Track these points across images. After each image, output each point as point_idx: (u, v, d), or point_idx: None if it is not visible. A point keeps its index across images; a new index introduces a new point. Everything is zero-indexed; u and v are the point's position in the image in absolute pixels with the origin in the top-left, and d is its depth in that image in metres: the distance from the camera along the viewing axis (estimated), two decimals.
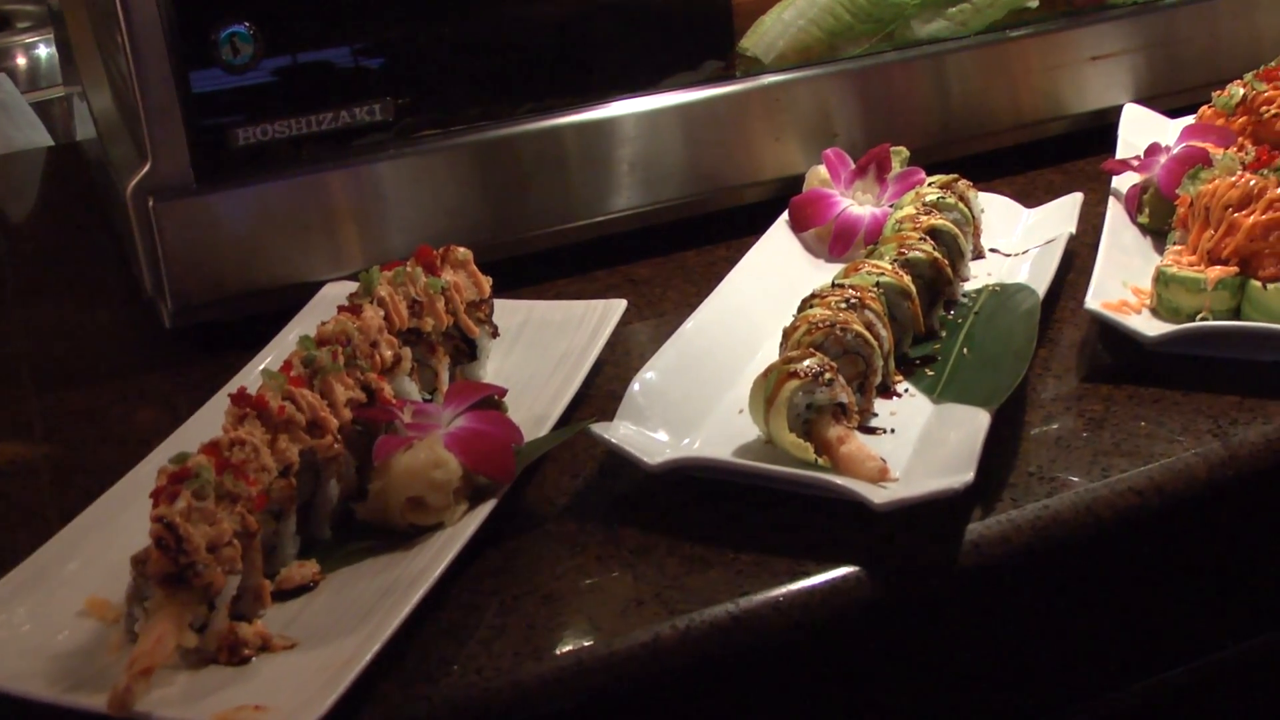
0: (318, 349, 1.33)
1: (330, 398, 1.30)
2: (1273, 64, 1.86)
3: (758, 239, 1.75)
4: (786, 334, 1.41)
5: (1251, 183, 1.53)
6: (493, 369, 1.57)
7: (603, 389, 1.54)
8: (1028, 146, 2.08)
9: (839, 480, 1.25)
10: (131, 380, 1.70)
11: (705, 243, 1.89)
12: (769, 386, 1.32)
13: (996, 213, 1.82)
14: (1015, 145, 2.08)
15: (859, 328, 1.38)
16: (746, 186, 1.89)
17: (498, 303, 1.61)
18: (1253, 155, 1.62)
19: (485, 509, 1.27)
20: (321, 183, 1.70)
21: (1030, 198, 1.91)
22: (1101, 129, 2.03)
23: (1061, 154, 2.08)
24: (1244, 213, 1.52)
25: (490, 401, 1.37)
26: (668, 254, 1.87)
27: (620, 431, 1.34)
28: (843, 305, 1.42)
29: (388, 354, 1.40)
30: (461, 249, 1.55)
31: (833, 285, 1.47)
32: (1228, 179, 1.54)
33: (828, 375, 1.31)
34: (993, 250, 1.76)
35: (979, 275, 1.70)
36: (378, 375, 1.36)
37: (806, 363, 1.32)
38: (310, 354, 1.31)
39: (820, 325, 1.38)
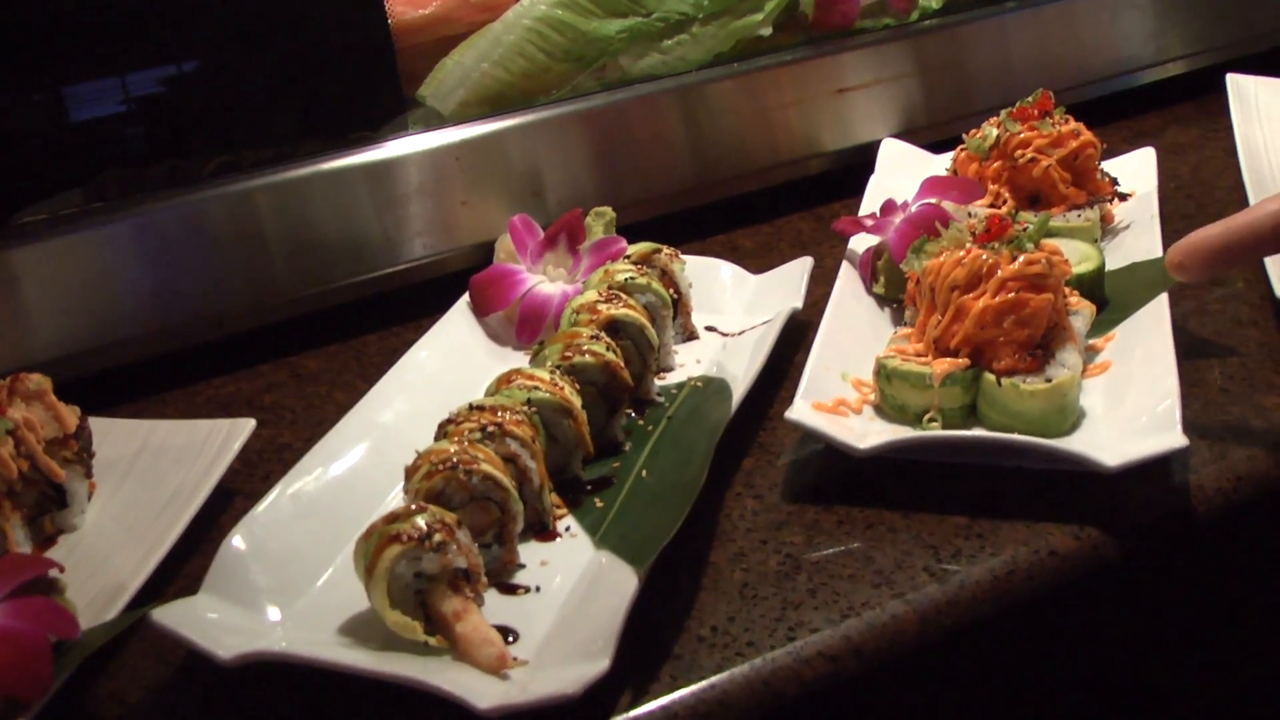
0: None
1: None
2: (1028, 100, 1.63)
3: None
4: (408, 474, 1.16)
5: (981, 258, 1.29)
6: (99, 509, 1.32)
7: (228, 529, 1.27)
8: (780, 189, 1.84)
9: (439, 681, 1.00)
10: None
11: (393, 323, 1.64)
12: (369, 552, 1.07)
13: (720, 283, 1.58)
14: (769, 188, 1.83)
15: (489, 467, 1.14)
16: (439, 256, 1.64)
17: (113, 424, 1.38)
18: (987, 216, 1.38)
19: None
20: None
21: (774, 252, 1.68)
22: (868, 165, 1.80)
23: (820, 196, 1.85)
24: (973, 295, 1.28)
25: (42, 583, 1.11)
26: (346, 339, 1.62)
27: (197, 612, 1.09)
28: (477, 435, 1.17)
29: None
30: (35, 377, 1.29)
31: (470, 407, 1.21)
32: (955, 254, 1.31)
33: (438, 537, 1.06)
34: (710, 329, 1.52)
35: (688, 362, 1.46)
36: None
37: (415, 521, 1.07)
38: None
39: (441, 466, 1.13)
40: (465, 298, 1.53)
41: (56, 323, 1.48)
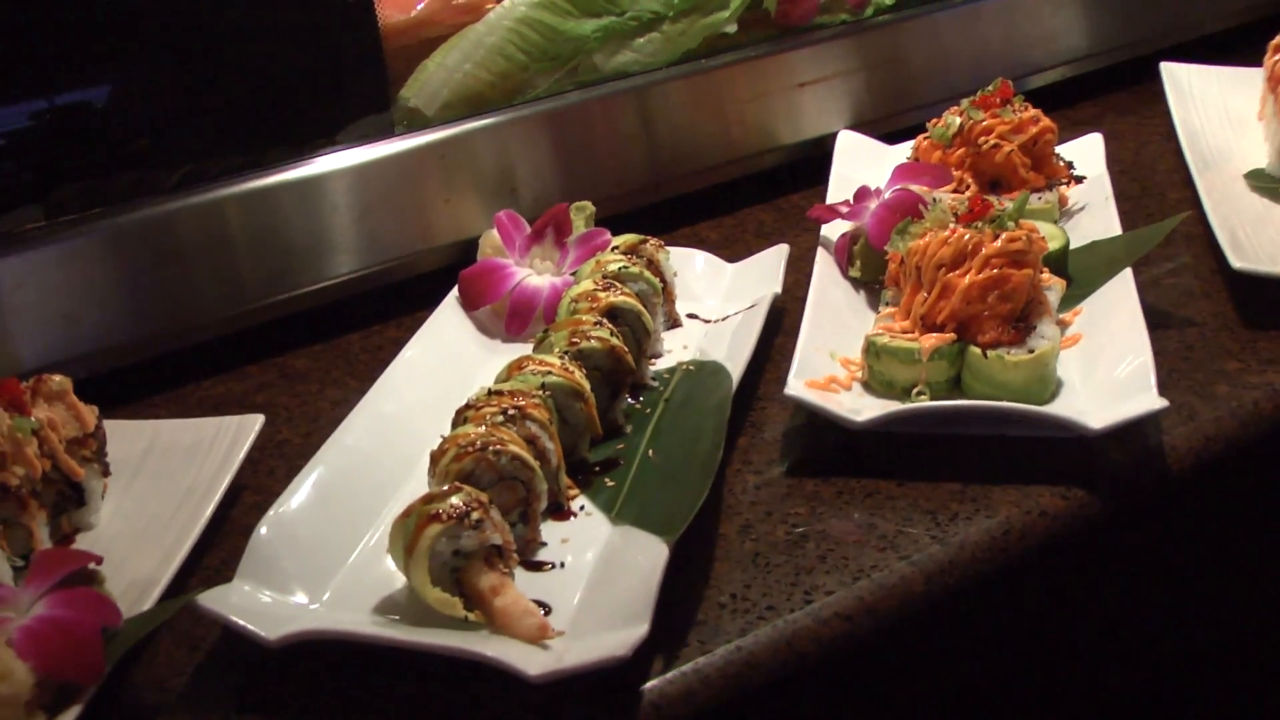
0: None
1: None
2: (989, 89, 1.70)
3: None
4: (434, 459, 1.20)
5: (965, 238, 1.35)
6: (111, 508, 1.33)
7: (240, 523, 1.31)
8: (740, 181, 1.89)
9: (486, 650, 1.04)
10: None
11: (374, 321, 1.67)
12: (408, 532, 1.10)
13: (696, 272, 1.63)
14: (728, 181, 1.89)
15: (515, 448, 1.18)
16: (418, 255, 1.67)
17: (118, 425, 1.39)
18: (969, 197, 1.44)
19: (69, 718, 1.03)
20: None
21: (738, 243, 1.73)
22: (822, 157, 1.86)
23: (778, 187, 1.91)
24: (958, 272, 1.34)
25: (82, 575, 1.13)
26: (330, 339, 1.64)
27: (235, 598, 1.12)
28: (499, 419, 1.21)
29: None
30: (57, 378, 1.30)
31: (489, 392, 1.25)
32: (940, 234, 1.37)
33: (475, 515, 1.10)
34: (691, 316, 1.57)
35: (674, 349, 1.51)
36: None
37: (451, 501, 1.10)
38: None
39: (469, 449, 1.17)
40: (453, 293, 1.57)
41: (44, 330, 1.48)
